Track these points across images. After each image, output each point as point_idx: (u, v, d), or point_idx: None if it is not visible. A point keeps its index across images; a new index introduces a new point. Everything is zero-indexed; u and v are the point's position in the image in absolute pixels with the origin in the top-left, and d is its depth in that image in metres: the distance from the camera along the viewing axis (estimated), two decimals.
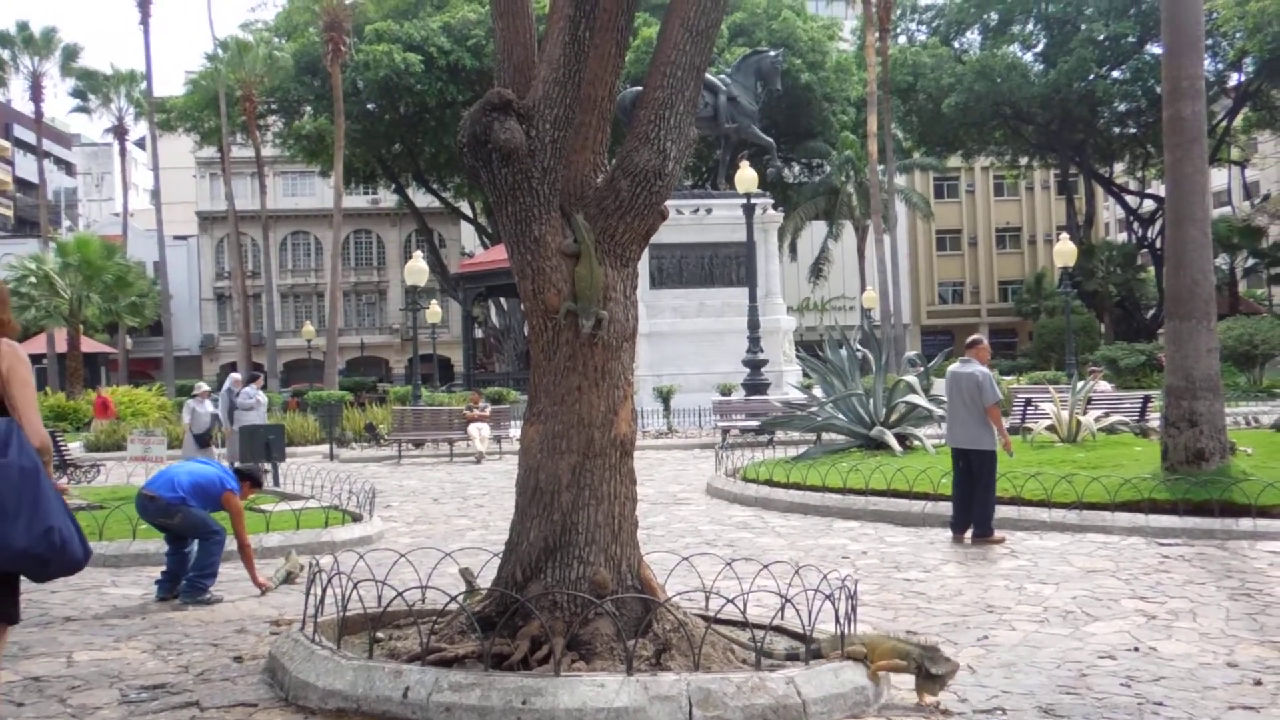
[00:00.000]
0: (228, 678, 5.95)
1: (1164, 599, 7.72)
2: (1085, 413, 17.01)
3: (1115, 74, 49.67)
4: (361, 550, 8.60)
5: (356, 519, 11.74)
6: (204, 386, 19.69)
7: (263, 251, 51.92)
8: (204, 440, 18.44)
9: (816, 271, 53.56)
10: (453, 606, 6.02)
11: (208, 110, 50.24)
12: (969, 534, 10.27)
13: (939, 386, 21.10)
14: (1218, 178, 55.94)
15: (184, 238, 66.64)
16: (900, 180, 53.14)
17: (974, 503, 10.29)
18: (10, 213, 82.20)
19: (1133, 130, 51.22)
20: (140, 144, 65.48)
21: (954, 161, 61.67)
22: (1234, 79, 49.27)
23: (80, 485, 15.86)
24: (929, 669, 5.35)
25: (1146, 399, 19.67)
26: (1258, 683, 5.65)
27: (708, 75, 29.69)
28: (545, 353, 6.11)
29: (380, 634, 5.98)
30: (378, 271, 68.67)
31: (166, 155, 53.81)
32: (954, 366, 10.72)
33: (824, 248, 52.92)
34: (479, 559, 7.01)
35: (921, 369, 18.39)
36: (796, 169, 53.06)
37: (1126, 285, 52.69)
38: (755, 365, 25.97)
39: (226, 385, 20.40)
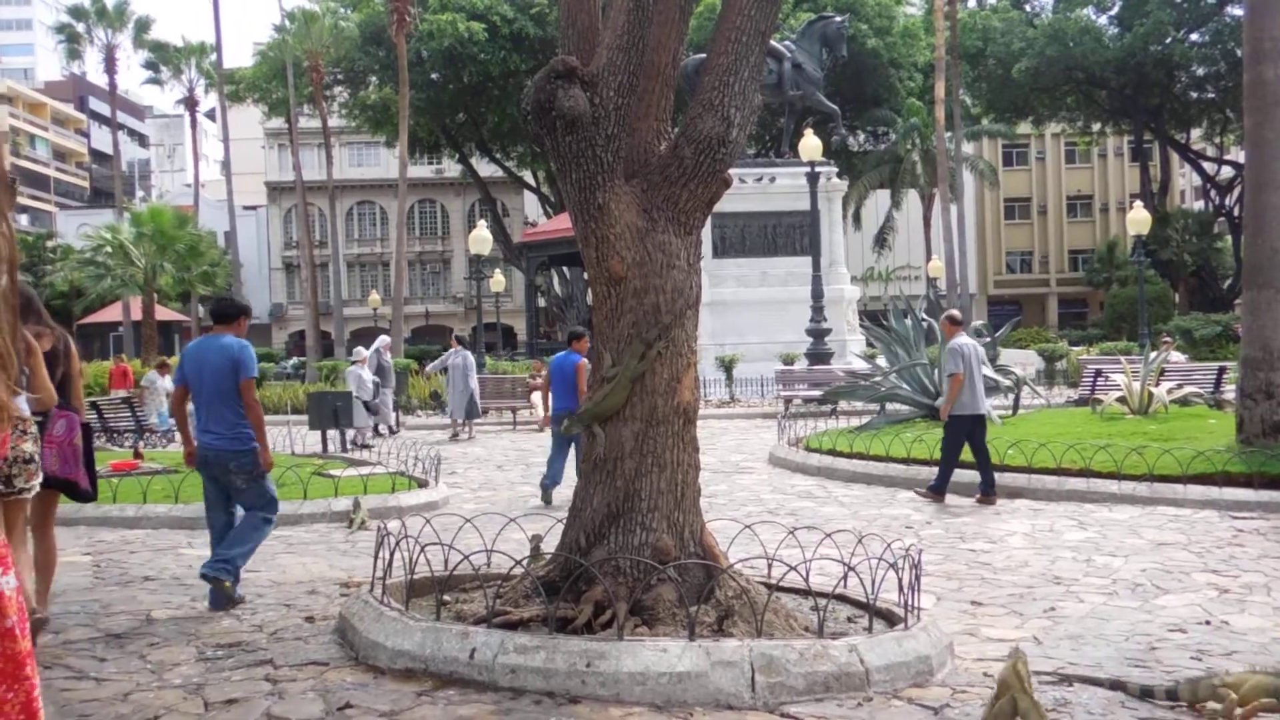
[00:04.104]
0: (300, 637, 6.10)
1: (1237, 573, 7.58)
2: (1158, 384, 16.65)
3: (1194, 36, 48.20)
4: (427, 515, 8.74)
5: (422, 485, 11.94)
6: (363, 352, 19.78)
7: (329, 221, 52.54)
8: (374, 408, 18.65)
9: (881, 241, 52.92)
10: (517, 571, 6.10)
11: (275, 81, 50.84)
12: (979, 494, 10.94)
13: (1006, 356, 20.83)
14: None
15: (253, 208, 67.74)
16: (968, 148, 52.21)
17: (978, 466, 11.00)
18: (86, 184, 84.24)
19: (1211, 95, 49.73)
20: (210, 115, 66.48)
21: (1024, 128, 60.33)
22: None
23: (155, 450, 16.28)
24: None
25: (1221, 370, 19.20)
26: None
27: (772, 42, 29.27)
28: (609, 319, 6.12)
29: (447, 597, 6.08)
30: (442, 241, 69.23)
31: (236, 126, 54.62)
32: (963, 340, 11.06)
33: (888, 216, 52.24)
34: (543, 524, 7.09)
35: (988, 339, 18.12)
36: (861, 137, 52.31)
37: (1202, 254, 51.37)
38: (818, 335, 25.78)
39: (375, 347, 20.34)
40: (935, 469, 12.08)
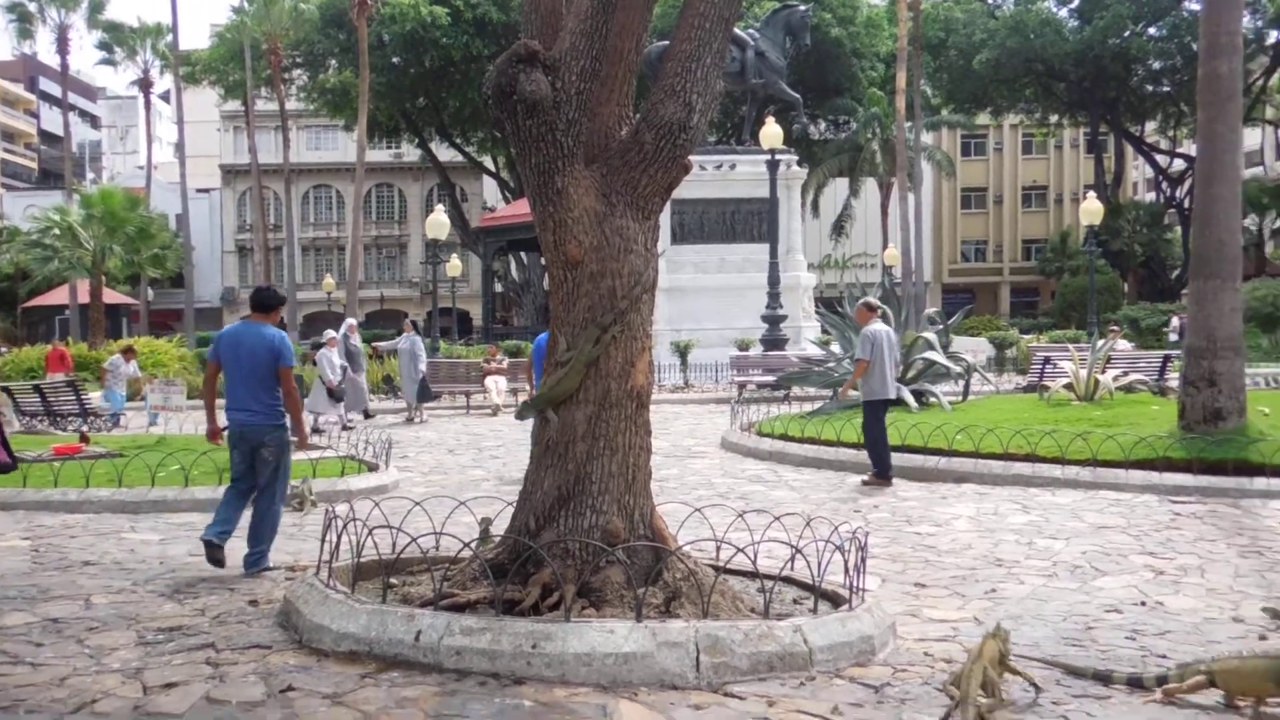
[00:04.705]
0: (243, 620, 6.06)
1: (1173, 555, 7.74)
2: (1104, 371, 16.92)
3: (1151, 30, 48.82)
4: (377, 499, 8.70)
5: (372, 469, 11.88)
6: (332, 333, 19.02)
7: (285, 205, 51.95)
8: (340, 394, 17.77)
9: (838, 228, 53.21)
10: (466, 554, 6.10)
11: (232, 63, 50.13)
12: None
13: (958, 344, 21.04)
14: (1250, 137, 54.92)
15: (207, 191, 66.82)
16: (927, 138, 52.57)
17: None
18: (35, 165, 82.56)
19: (1166, 88, 50.42)
20: (165, 97, 65.48)
21: (982, 119, 60.84)
22: (1273, 36, 48.30)
23: (101, 434, 16.06)
24: None
25: (1166, 358, 19.55)
26: (1262, 638, 5.67)
27: (736, 29, 29.35)
28: (564, 304, 6.13)
29: (394, 580, 6.07)
30: (399, 225, 68.70)
31: (191, 108, 53.78)
32: (877, 327, 11.37)
33: (847, 205, 52.52)
34: (493, 508, 7.09)
35: (941, 326, 18.30)
36: (822, 125, 52.52)
37: (1152, 245, 52.13)
38: (774, 321, 25.93)
39: (342, 331, 19.72)
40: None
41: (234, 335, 7.46)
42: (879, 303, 12.67)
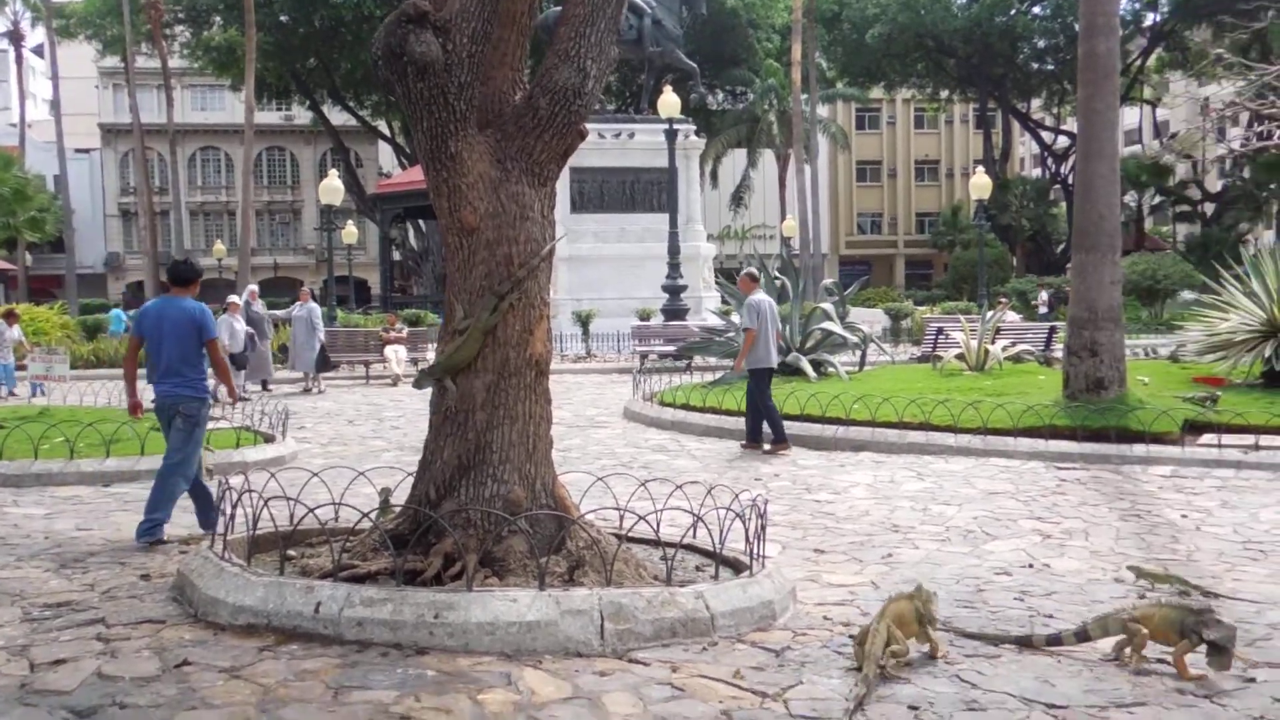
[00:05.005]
0: (135, 595, 5.89)
1: (1059, 519, 8.04)
2: (994, 342, 17.44)
3: (1036, 9, 50.10)
4: (273, 470, 8.51)
5: (269, 440, 11.62)
6: (235, 299, 18.58)
7: (170, 167, 50.14)
8: (242, 361, 17.52)
9: (737, 199, 53.61)
10: (366, 525, 6.02)
11: (110, 17, 48.02)
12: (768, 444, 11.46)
13: (854, 315, 21.45)
14: (1129, 116, 56.96)
15: (86, 151, 64.05)
16: (823, 110, 53.22)
17: (750, 416, 11.64)
18: None
19: (1050, 66, 51.83)
20: (38, 51, 62.44)
21: (876, 93, 61.82)
22: (1150, 19, 50.02)
23: None
24: (1206, 637, 4.59)
25: (1052, 329, 20.23)
26: (1141, 597, 5.93)
27: None
28: (461, 271, 6.05)
29: (292, 552, 5.95)
30: (292, 190, 66.93)
31: (66, 64, 51.41)
32: (759, 296, 11.71)
33: (745, 176, 52.94)
34: (394, 478, 6.99)
35: (838, 298, 18.63)
36: (720, 96, 52.75)
37: (1039, 219, 53.75)
38: (674, 291, 26.06)
39: (244, 298, 19.33)
40: (784, 424, 12.41)
41: (156, 310, 7.53)
42: (759, 273, 13.11)
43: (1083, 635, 4.92)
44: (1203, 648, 4.63)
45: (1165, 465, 10.15)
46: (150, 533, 7.17)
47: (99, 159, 65.05)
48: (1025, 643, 5.04)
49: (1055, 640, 4.99)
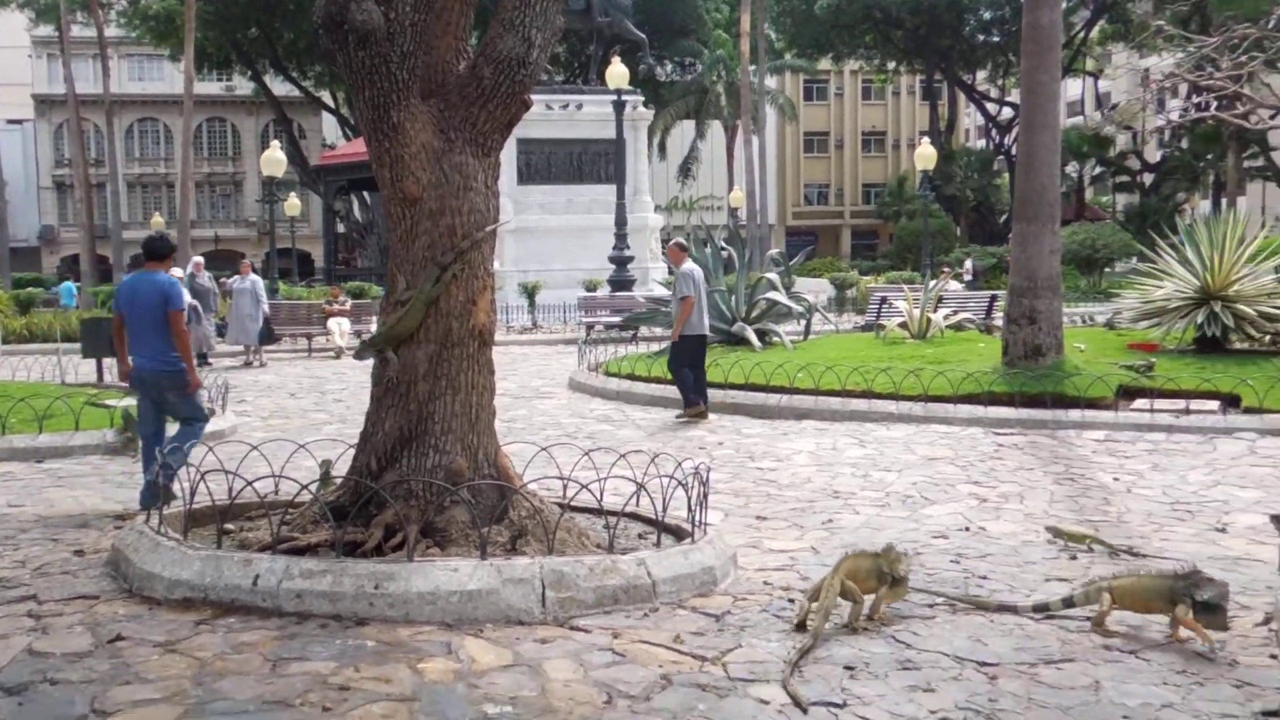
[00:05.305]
0: (68, 571, 5.80)
1: (996, 484, 8.19)
2: (936, 311, 17.63)
3: None
4: (212, 444, 8.41)
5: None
6: (178, 271, 18.24)
7: (107, 139, 48.98)
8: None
9: (685, 171, 53.61)
10: (305, 497, 5.97)
11: None
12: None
13: (800, 284, 21.58)
14: (1072, 88, 57.59)
15: (19, 122, 62.48)
16: (771, 82, 53.28)
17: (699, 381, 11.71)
18: None
19: (996, 39, 52.24)
20: None
21: (824, 64, 61.96)
22: None
23: None
24: (1199, 598, 4.55)
25: (993, 298, 20.49)
26: (1073, 558, 6.07)
27: None
28: (403, 242, 6.00)
29: (230, 525, 5.89)
30: (233, 162, 65.77)
31: None
32: (691, 265, 11.91)
33: (693, 147, 52.92)
34: (335, 451, 6.95)
35: (783, 267, 18.71)
36: (669, 67, 52.54)
37: (983, 190, 54.30)
38: (621, 262, 26.04)
39: (189, 270, 19.10)
40: (727, 391, 12.50)
41: (130, 285, 7.68)
42: (687, 242, 13.38)
43: (1069, 604, 4.97)
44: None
45: (1100, 430, 10.36)
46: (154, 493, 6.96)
47: (32, 130, 63.45)
48: (1010, 609, 5.06)
49: (1042, 608, 5.01)
